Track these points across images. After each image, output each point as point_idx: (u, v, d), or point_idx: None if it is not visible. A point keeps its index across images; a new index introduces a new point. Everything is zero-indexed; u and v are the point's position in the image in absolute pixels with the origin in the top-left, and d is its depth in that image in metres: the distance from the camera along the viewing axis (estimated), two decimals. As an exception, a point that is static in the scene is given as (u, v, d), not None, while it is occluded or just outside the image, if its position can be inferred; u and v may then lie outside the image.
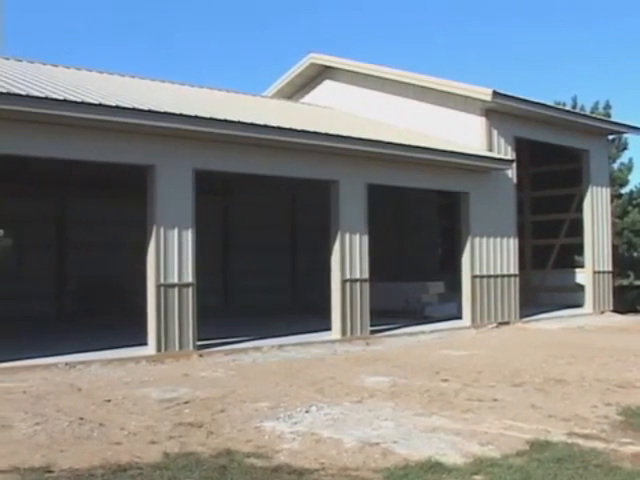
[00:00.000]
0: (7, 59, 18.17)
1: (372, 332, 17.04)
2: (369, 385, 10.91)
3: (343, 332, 16.38)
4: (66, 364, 12.41)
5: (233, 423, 8.46)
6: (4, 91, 12.02)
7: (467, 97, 20.67)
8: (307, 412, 9.00)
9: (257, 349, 14.70)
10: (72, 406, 9.35)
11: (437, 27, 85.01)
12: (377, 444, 7.51)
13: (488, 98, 19.77)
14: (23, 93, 12.21)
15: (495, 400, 9.75)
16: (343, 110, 24.22)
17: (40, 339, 15.59)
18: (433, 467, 6.66)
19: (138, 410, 9.18)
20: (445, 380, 11.32)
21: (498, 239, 20.00)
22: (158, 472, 6.52)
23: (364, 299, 16.80)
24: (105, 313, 20.58)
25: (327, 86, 26.03)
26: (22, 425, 8.34)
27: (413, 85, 22.35)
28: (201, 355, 13.87)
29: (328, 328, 16.55)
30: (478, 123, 20.66)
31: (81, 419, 8.61)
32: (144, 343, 13.77)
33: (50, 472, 6.57)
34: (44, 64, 18.85)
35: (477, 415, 8.87)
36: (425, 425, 8.36)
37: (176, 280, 13.90)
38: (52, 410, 9.10)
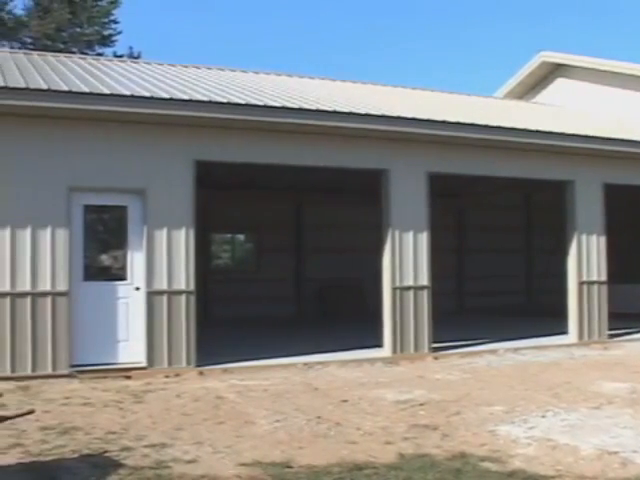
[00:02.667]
0: (186, 67, 18.60)
1: (610, 336, 16.25)
2: (607, 391, 10.43)
3: (580, 336, 15.75)
4: (305, 364, 12.77)
5: (467, 426, 8.37)
6: (242, 102, 12.62)
7: None
8: (543, 417, 8.75)
9: (492, 352, 14.46)
10: (310, 405, 9.62)
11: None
12: (616, 453, 7.15)
13: None
14: (260, 103, 12.77)
15: None
16: (577, 108, 23.38)
17: (280, 340, 16.14)
18: (680, 479, 6.27)
19: (373, 411, 9.28)
20: (695, 388, 10.64)
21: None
22: (393, 472, 6.55)
23: (602, 302, 16.07)
24: (342, 315, 21.02)
25: (559, 84, 25.26)
26: (263, 422, 8.67)
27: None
28: (436, 357, 13.84)
29: (564, 331, 15.98)
30: None
31: (318, 418, 8.83)
32: (379, 345, 13.91)
33: (289, 467, 6.78)
34: (222, 69, 19.31)
35: None
36: (670, 435, 7.89)
37: (411, 283, 13.95)
38: (291, 408, 9.40)
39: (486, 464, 6.79)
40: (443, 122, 14.00)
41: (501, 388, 10.81)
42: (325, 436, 8.02)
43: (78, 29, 40.74)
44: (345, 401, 9.88)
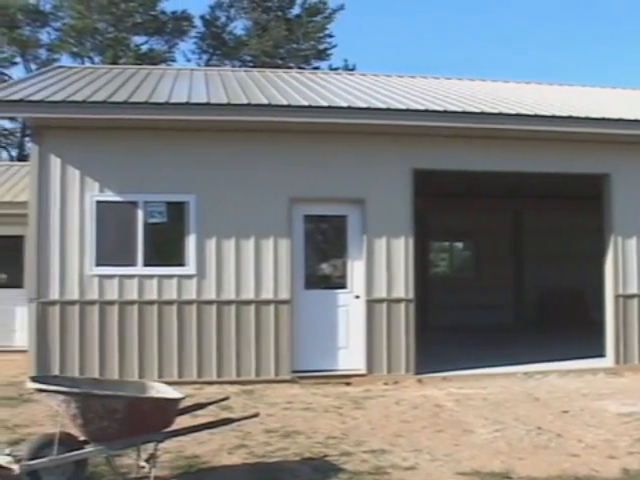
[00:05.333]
0: (401, 77, 18.39)
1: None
2: None
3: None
4: (524, 373, 12.53)
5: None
6: (458, 110, 12.60)
7: None
8: None
9: None
10: (529, 415, 9.45)
11: None
12: None
13: None
14: (477, 110, 12.69)
15: None
16: None
17: (499, 348, 15.92)
18: None
19: (595, 423, 9.00)
20: None
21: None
22: (616, 488, 6.35)
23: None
24: (563, 323, 20.43)
25: None
26: (482, 431, 8.62)
27: None
28: (664, 369, 13.18)
29: None
30: None
31: (539, 428, 8.67)
32: (602, 355, 13.43)
33: (508, 478, 6.74)
34: (437, 78, 18.96)
35: None
36: None
37: (636, 290, 13.36)
38: (510, 418, 9.28)
39: None
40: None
41: None
42: (545, 447, 7.87)
43: (295, 45, 42.14)
44: (566, 412, 9.64)
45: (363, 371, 12.36)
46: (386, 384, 11.99)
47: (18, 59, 41.62)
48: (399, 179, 12.59)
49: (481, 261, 22.60)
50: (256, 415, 7.74)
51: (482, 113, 12.59)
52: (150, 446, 6.55)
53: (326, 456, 7.56)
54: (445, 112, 12.44)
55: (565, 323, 20.28)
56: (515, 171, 13.75)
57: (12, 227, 16.26)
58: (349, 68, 39.80)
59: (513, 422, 9.04)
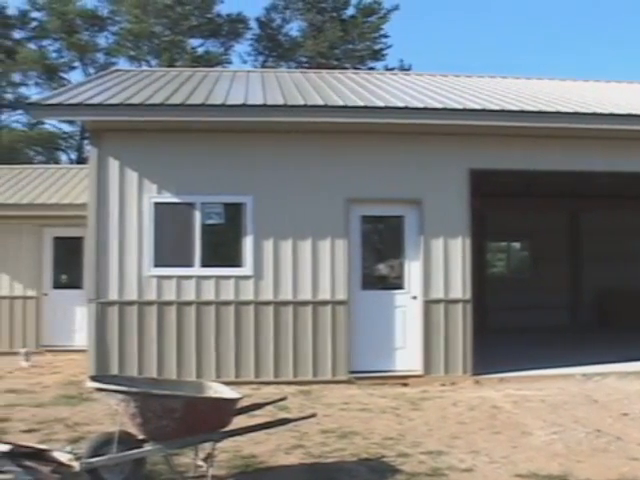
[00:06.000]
0: (457, 76, 18.23)
1: None
2: None
3: None
4: (583, 375, 12.36)
5: None
6: (515, 109, 12.47)
7: None
8: None
9: None
10: (588, 417, 9.32)
11: None
12: None
13: None
14: (534, 109, 12.55)
15: None
16: None
17: (556, 349, 15.74)
18: None
19: (658, 426, 8.85)
20: None
21: None
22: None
23: None
24: (621, 325, 20.11)
25: None
26: (540, 433, 8.53)
27: None
28: None
29: None
30: None
31: (597, 431, 8.55)
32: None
33: (570, 482, 6.65)
34: (493, 77, 18.71)
35: None
36: None
37: (698, 291, 13.10)
38: (568, 420, 9.16)
39: None
40: None
41: None
42: (605, 450, 7.75)
43: (350, 46, 42.20)
44: (626, 414, 9.49)
45: (420, 372, 12.31)
46: (443, 385, 11.93)
47: (77, 63, 42.37)
48: (456, 179, 12.52)
49: (538, 261, 22.34)
50: (313, 415, 7.76)
51: (540, 112, 12.43)
52: (207, 445, 6.60)
53: (383, 457, 7.55)
54: (502, 111, 12.33)
55: (624, 324, 19.95)
56: (572, 171, 13.55)
57: (72, 229, 16.56)
58: (405, 68, 39.74)
59: (571, 424, 8.93)
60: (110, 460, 6.25)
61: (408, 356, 12.43)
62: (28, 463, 6.29)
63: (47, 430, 8.72)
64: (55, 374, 13.54)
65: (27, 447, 6.74)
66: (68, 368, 14.08)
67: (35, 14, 41.98)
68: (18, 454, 6.41)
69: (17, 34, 42.19)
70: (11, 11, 41.51)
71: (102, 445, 6.36)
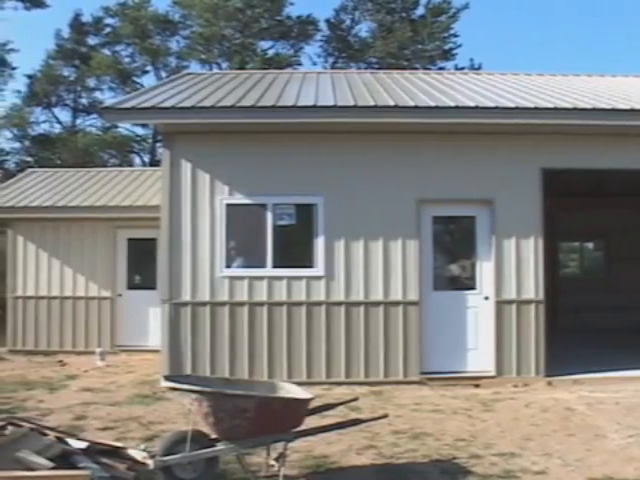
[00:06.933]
0: (529, 75, 17.83)
1: None
2: None
3: None
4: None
5: None
6: (588, 107, 12.27)
7: None
8: None
9: None
10: (667, 421, 9.14)
11: None
12: None
13: None
14: (608, 107, 12.34)
15: None
16: None
17: (632, 351, 15.40)
18: None
19: None
20: None
21: None
22: None
23: None
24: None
25: None
26: (615, 436, 8.39)
27: None
28: None
29: None
30: None
31: (678, 435, 8.38)
32: None
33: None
34: (566, 75, 18.30)
35: None
36: None
37: None
38: (645, 423, 9.00)
39: None
40: None
41: None
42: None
43: (420, 46, 41.95)
44: None
45: (492, 373, 12.21)
46: (515, 386, 11.81)
47: (149, 67, 43.01)
48: (528, 179, 12.39)
49: (612, 261, 21.92)
50: (385, 416, 7.77)
51: (613, 109, 12.23)
52: (279, 445, 6.65)
53: (455, 458, 7.52)
54: (575, 109, 12.15)
55: None
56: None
57: (145, 230, 16.81)
58: (475, 67, 39.38)
59: (648, 428, 8.78)
60: (183, 459, 6.35)
61: (480, 357, 12.34)
62: (104, 460, 6.45)
63: (122, 428, 8.91)
64: (129, 373, 13.79)
65: (103, 445, 6.90)
66: (142, 368, 14.31)
67: (109, 20, 42.80)
68: (95, 451, 6.58)
69: (91, 40, 43.03)
70: (85, 18, 42.46)
71: (176, 444, 6.47)
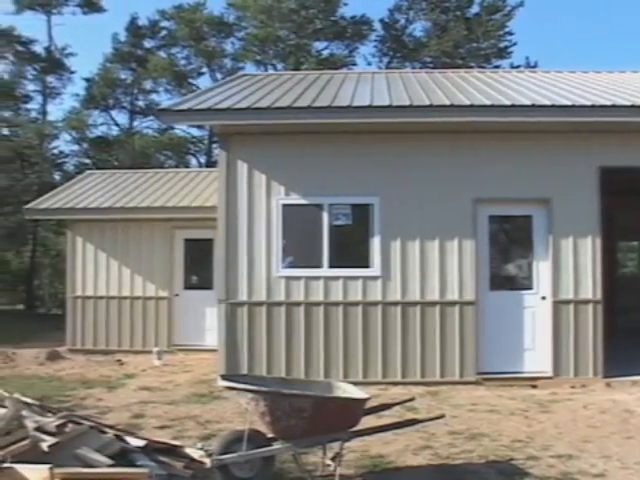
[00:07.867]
0: (585, 73, 17.52)
1: None
2: None
3: None
4: None
5: None
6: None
7: None
8: None
9: None
10: None
11: None
12: None
13: None
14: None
15: None
16: None
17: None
18: None
19: None
20: None
21: None
22: None
23: None
24: None
25: None
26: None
27: None
28: None
29: None
30: None
31: None
32: None
33: None
34: (623, 72, 17.92)
35: None
36: None
37: None
38: None
39: None
40: None
41: None
42: None
43: (474, 44, 41.66)
44: None
45: (549, 374, 12.09)
46: (573, 387, 11.69)
47: (205, 69, 43.39)
48: (585, 178, 12.24)
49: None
50: (441, 416, 7.76)
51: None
52: (336, 445, 6.68)
53: (512, 460, 7.47)
54: (633, 107, 11.97)
55: None
56: None
57: (202, 230, 16.97)
58: (531, 65, 38.94)
59: None
60: (240, 457, 6.41)
61: (537, 357, 12.24)
62: (162, 458, 6.53)
63: (179, 427, 9.01)
64: (186, 373, 13.94)
65: (161, 443, 6.99)
66: (199, 367, 14.46)
67: (164, 23, 43.29)
68: (153, 449, 6.66)
69: (147, 43, 43.58)
70: (142, 21, 43.00)
71: (232, 443, 6.53)
